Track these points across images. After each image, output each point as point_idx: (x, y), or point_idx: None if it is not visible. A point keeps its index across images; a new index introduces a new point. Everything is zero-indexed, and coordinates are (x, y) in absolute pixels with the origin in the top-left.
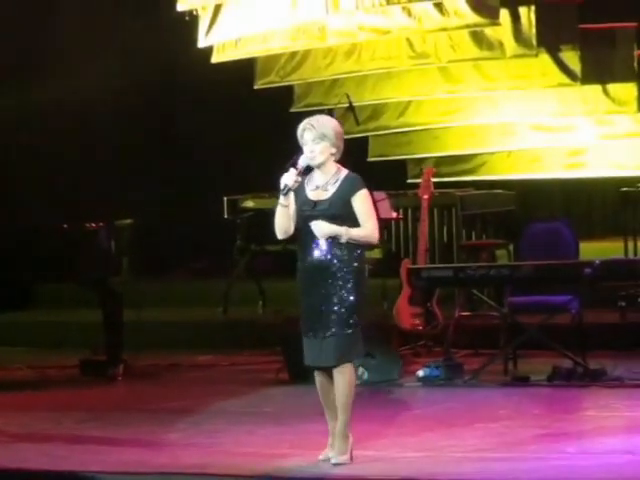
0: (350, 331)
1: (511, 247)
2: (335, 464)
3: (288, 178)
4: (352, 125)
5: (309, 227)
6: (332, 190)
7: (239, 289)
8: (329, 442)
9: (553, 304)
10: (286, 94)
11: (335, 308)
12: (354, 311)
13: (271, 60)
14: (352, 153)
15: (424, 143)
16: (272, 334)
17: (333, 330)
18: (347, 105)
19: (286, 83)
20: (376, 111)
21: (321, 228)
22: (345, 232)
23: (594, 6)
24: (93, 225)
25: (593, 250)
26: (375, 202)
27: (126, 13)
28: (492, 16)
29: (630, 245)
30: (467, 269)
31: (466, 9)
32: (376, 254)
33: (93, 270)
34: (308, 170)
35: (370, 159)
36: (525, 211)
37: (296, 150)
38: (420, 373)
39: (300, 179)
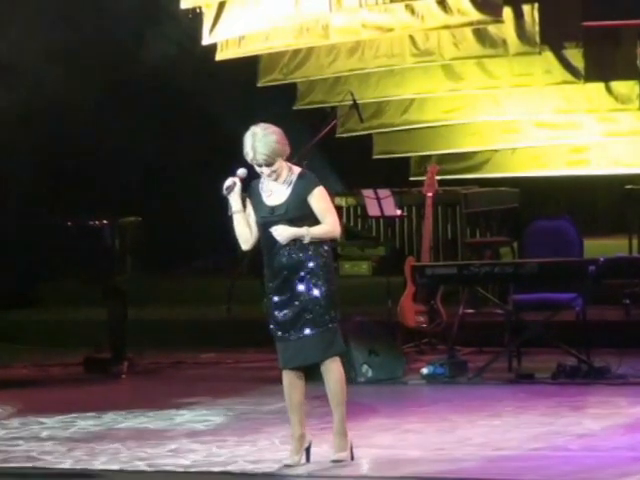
0: (327, 327)
1: (515, 245)
2: (335, 461)
3: (227, 182)
4: (356, 123)
5: (269, 234)
6: (287, 193)
7: (242, 287)
8: (294, 447)
9: (557, 302)
10: (289, 92)
11: (309, 307)
12: (329, 307)
13: (274, 58)
14: (356, 150)
15: (428, 140)
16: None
17: (310, 329)
18: (351, 103)
19: (289, 81)
20: (379, 109)
21: (281, 233)
22: (307, 232)
23: (597, 4)
24: (97, 223)
25: (597, 248)
26: (379, 199)
27: None
28: (495, 14)
29: (634, 242)
30: (471, 267)
31: (469, 7)
32: (380, 252)
33: (97, 268)
34: (247, 176)
35: (375, 156)
36: (529, 208)
37: (295, 149)
38: (424, 371)
39: (238, 182)
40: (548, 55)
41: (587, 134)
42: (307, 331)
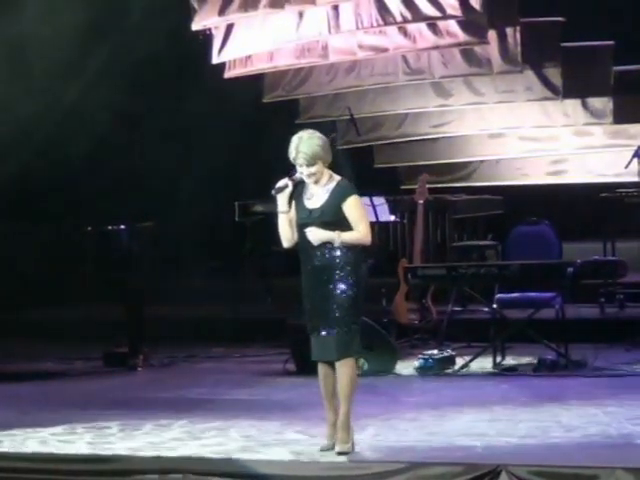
0: (348, 329)
1: (499, 248)
2: (339, 453)
3: (280, 182)
4: (354, 136)
5: (305, 234)
6: (325, 198)
7: (251, 287)
8: (327, 433)
9: (538, 300)
10: (292, 107)
11: (334, 307)
12: (352, 311)
13: (278, 76)
14: (355, 161)
15: (420, 152)
16: (280, 328)
17: (333, 329)
18: (348, 117)
19: (292, 97)
20: (376, 123)
21: (314, 234)
22: (337, 237)
23: (575, 26)
24: (115, 227)
25: (575, 251)
26: (374, 206)
27: None
28: (481, 35)
29: (608, 246)
30: (459, 268)
31: (457, 29)
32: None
33: (115, 269)
34: (302, 181)
35: (377, 166)
36: (512, 215)
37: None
38: (416, 364)
39: (290, 185)
40: (529, 73)
41: (565, 147)
42: (329, 330)
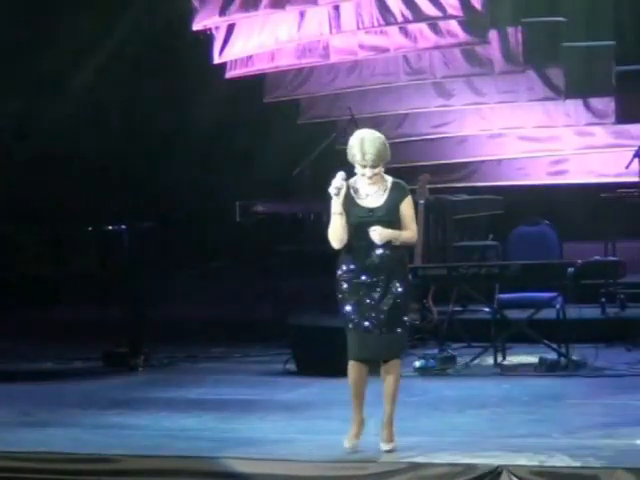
0: (401, 329)
1: (500, 248)
2: (387, 451)
3: (336, 183)
4: None
5: (365, 233)
6: (385, 197)
7: (253, 287)
8: (354, 432)
9: (539, 300)
10: (293, 107)
11: (390, 305)
12: (405, 310)
13: (279, 76)
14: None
15: (421, 152)
16: (282, 328)
17: (388, 328)
18: (349, 117)
19: (293, 97)
20: (376, 123)
21: (380, 233)
22: (398, 235)
23: (576, 25)
24: (116, 228)
25: (575, 251)
26: None
27: None
28: (481, 36)
29: (609, 246)
30: (460, 268)
31: (458, 29)
32: None
33: (116, 269)
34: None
35: None
36: (513, 215)
37: (299, 160)
38: (417, 364)
39: (344, 185)
40: (530, 74)
41: (566, 147)
42: (385, 330)
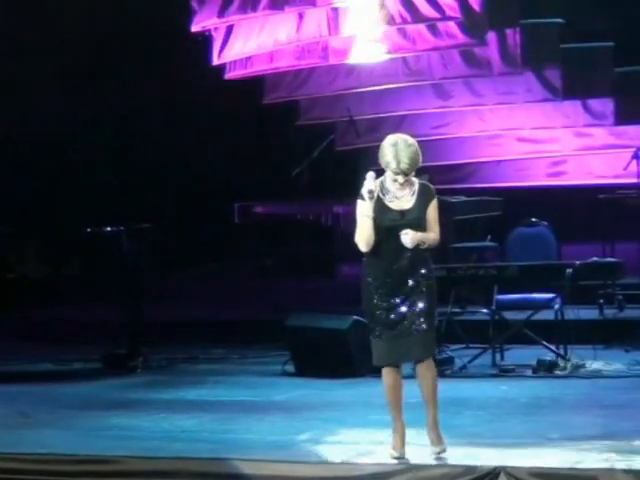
0: (432, 329)
1: (499, 249)
2: (439, 452)
3: (368, 186)
4: (353, 137)
5: (395, 236)
6: (414, 199)
7: (251, 288)
8: (395, 443)
9: (537, 301)
10: (292, 108)
11: (421, 307)
12: (433, 310)
13: (279, 77)
14: (352, 162)
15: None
16: (280, 330)
17: (421, 327)
18: (348, 119)
19: (292, 98)
20: (375, 124)
21: (412, 236)
22: (427, 238)
23: (575, 27)
24: (114, 229)
25: (573, 252)
26: None
27: None
28: (480, 37)
29: (608, 248)
30: (458, 269)
31: (456, 30)
32: None
33: (115, 271)
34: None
35: (376, 168)
36: (511, 216)
37: (300, 160)
38: None
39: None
40: (529, 75)
41: (564, 148)
42: (416, 331)
